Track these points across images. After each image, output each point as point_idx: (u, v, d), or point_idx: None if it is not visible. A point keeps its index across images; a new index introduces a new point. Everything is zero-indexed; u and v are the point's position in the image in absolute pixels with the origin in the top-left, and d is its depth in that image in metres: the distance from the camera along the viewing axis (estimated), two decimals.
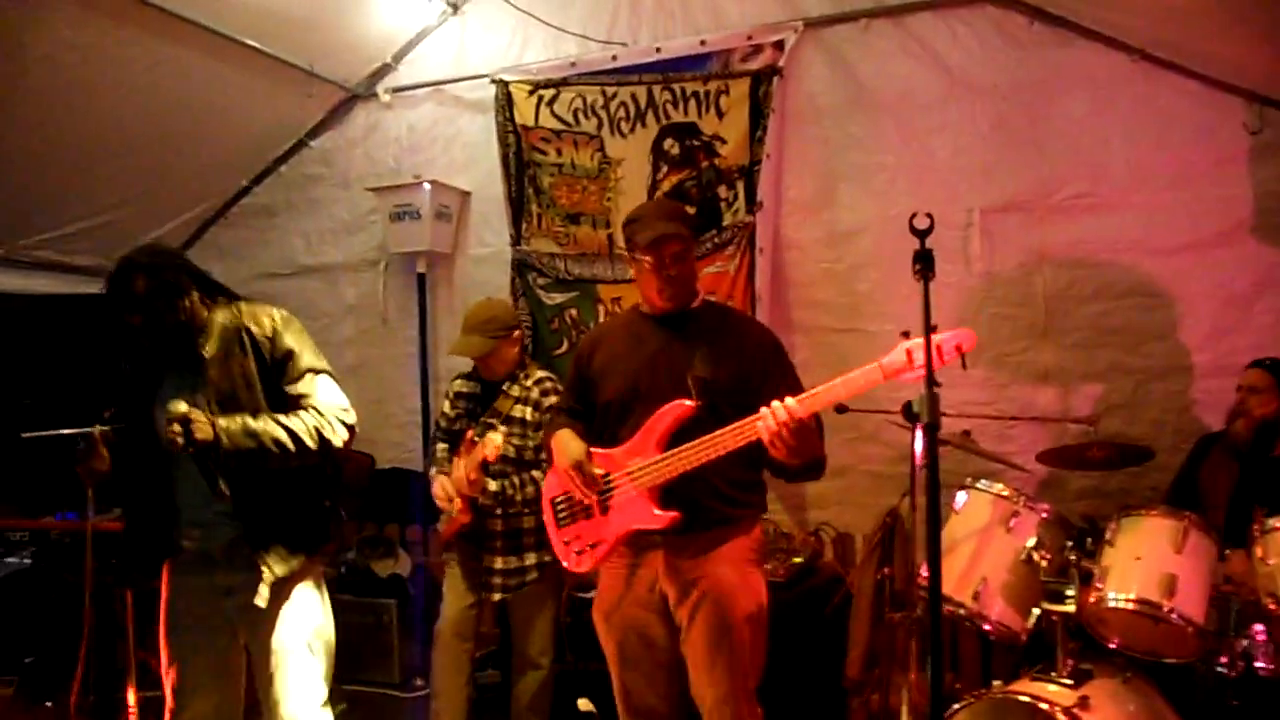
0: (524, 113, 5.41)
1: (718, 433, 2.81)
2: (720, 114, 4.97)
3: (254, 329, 3.09)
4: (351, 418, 3.13)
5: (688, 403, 2.92)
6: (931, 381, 2.11)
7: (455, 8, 5.69)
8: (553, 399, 4.03)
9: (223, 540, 3.07)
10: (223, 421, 2.88)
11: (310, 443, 2.99)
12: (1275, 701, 3.22)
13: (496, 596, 4.05)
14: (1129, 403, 4.48)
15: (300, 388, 3.08)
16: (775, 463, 2.80)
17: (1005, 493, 3.56)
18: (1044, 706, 3.03)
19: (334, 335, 5.96)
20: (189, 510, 3.12)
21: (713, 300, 3.24)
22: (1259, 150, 4.27)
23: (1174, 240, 4.39)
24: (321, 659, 3.17)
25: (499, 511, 3.99)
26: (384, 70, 5.92)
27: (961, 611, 3.40)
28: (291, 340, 3.12)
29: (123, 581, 3.34)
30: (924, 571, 3.55)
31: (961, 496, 3.61)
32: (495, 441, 3.83)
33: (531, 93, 5.39)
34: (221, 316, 3.13)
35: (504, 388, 4.10)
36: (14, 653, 4.94)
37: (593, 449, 3.08)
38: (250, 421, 2.93)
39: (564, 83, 5.32)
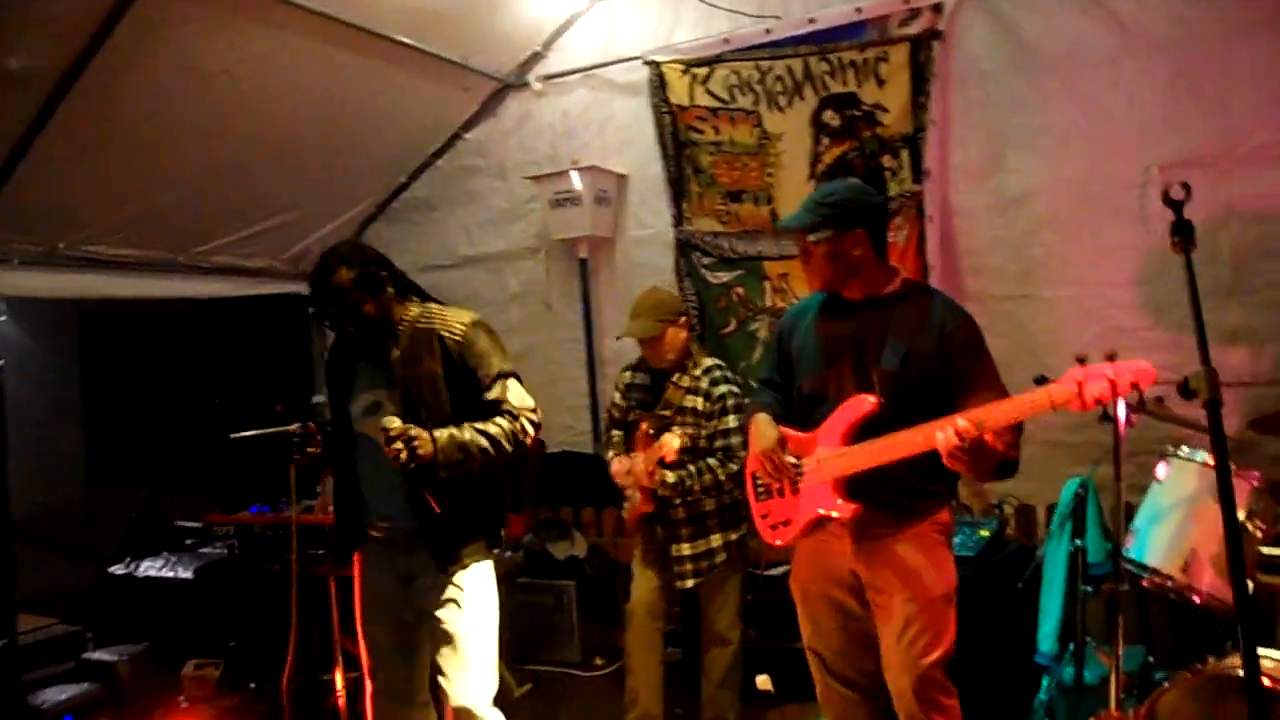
0: (678, 92, 5.40)
1: (898, 435, 2.79)
2: (880, 82, 4.87)
3: (446, 335, 3.20)
4: (539, 417, 3.23)
5: (870, 400, 2.91)
6: (1206, 358, 2.01)
7: None
8: (723, 388, 4.08)
9: (404, 530, 3.20)
10: (437, 435, 3.00)
11: (508, 447, 3.11)
12: None
13: (690, 583, 4.10)
14: None
15: (495, 393, 3.18)
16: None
17: (1211, 461, 3.44)
18: (1267, 682, 2.92)
19: (499, 323, 5.84)
20: (375, 500, 3.27)
21: (915, 282, 3.21)
22: None
23: None
24: (493, 646, 3.29)
25: (678, 501, 4.06)
26: (535, 58, 5.97)
27: (1170, 584, 3.29)
28: (483, 347, 3.22)
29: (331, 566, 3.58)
30: (1128, 543, 3.51)
31: (1163, 467, 3.49)
32: (673, 445, 3.91)
33: (685, 72, 5.37)
34: (413, 317, 3.25)
35: (673, 379, 4.14)
36: (218, 637, 5.21)
37: (787, 430, 3.12)
38: (457, 433, 3.05)
39: (718, 60, 5.29)
